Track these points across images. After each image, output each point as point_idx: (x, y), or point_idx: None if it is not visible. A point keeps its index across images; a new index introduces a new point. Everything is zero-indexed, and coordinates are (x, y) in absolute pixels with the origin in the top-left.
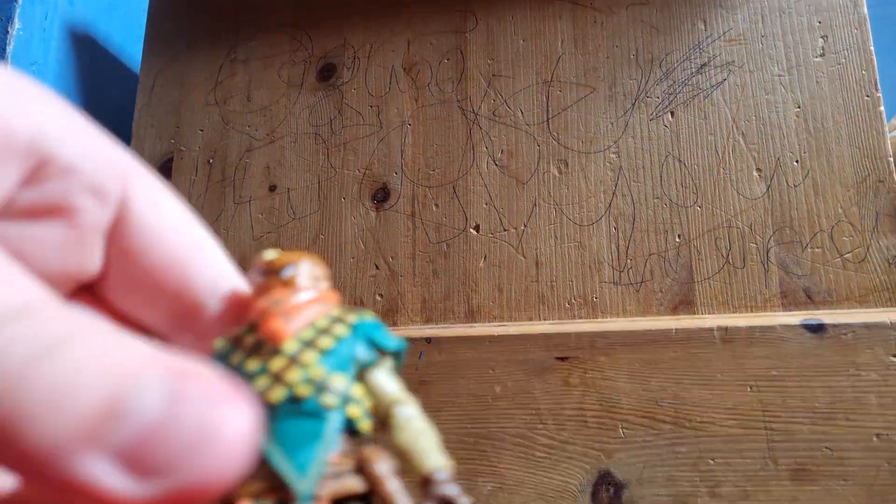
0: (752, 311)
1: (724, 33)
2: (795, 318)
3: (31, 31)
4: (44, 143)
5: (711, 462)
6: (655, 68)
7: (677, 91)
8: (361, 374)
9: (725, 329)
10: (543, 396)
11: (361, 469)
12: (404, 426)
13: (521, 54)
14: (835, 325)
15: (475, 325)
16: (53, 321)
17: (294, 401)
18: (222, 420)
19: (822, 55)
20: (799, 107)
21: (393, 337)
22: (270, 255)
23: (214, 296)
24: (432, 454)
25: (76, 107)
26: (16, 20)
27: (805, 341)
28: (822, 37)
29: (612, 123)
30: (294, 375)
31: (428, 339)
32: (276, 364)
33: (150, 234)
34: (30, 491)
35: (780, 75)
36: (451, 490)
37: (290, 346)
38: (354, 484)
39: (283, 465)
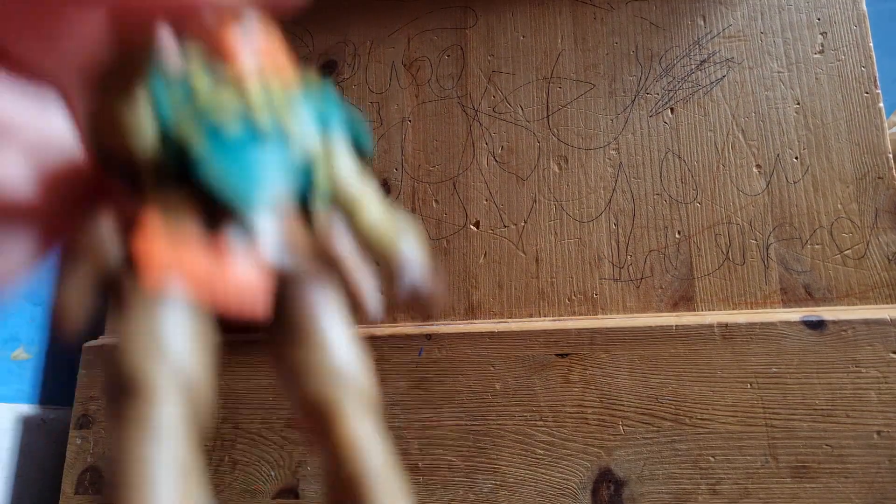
0: (752, 308)
1: (724, 30)
2: (795, 314)
3: None
4: None
5: (712, 459)
6: (655, 65)
7: (677, 87)
8: (325, 141)
9: (725, 326)
10: (543, 393)
11: (320, 250)
12: (371, 209)
13: (521, 51)
14: (835, 322)
15: (475, 321)
16: None
17: (252, 125)
18: None
19: (822, 52)
20: (798, 103)
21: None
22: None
23: None
24: (404, 238)
25: None
26: None
27: (805, 338)
28: (821, 33)
29: (611, 120)
30: (259, 99)
31: (428, 336)
32: (240, 86)
33: None
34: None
35: (779, 72)
36: (419, 277)
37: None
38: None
39: (229, 184)
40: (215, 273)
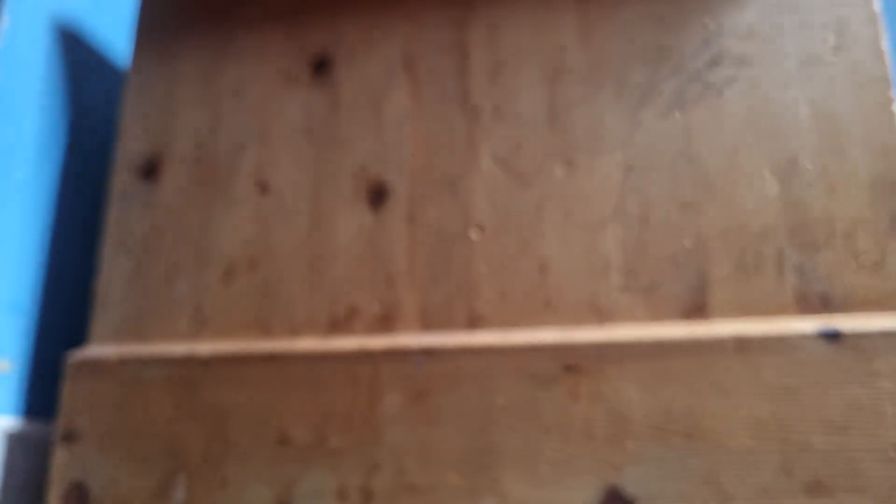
0: (766, 317)
1: (736, 29)
2: (811, 324)
3: (17, 28)
4: None
5: (724, 476)
6: (665, 64)
7: (687, 88)
8: None
9: (739, 338)
10: (549, 408)
11: None
12: None
13: (525, 49)
14: (851, 333)
15: (477, 333)
16: None
17: None
18: None
19: (836, 53)
20: (812, 105)
21: None
22: None
23: None
24: None
25: (62, 105)
26: (5, 15)
27: (821, 350)
28: (835, 34)
29: (619, 121)
30: None
31: (427, 348)
32: None
33: None
34: None
35: (792, 73)
36: None
37: None
38: None
39: None
40: None
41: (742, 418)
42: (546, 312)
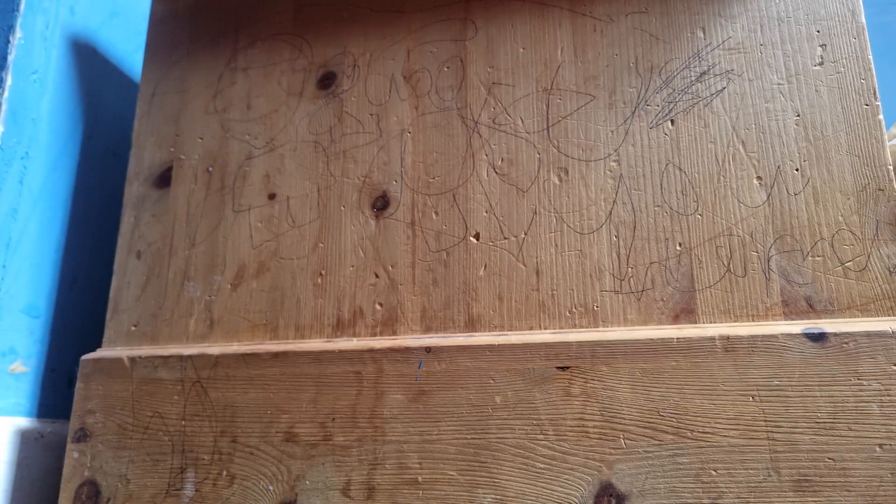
0: (753, 320)
1: (724, 42)
2: (797, 326)
3: (33, 41)
4: None
5: (714, 473)
6: (655, 77)
7: (677, 99)
8: None
9: (727, 338)
10: (544, 407)
11: None
12: None
13: (521, 62)
14: (836, 334)
15: (475, 334)
16: None
17: None
18: None
19: (821, 64)
20: (798, 115)
21: None
22: None
23: None
24: None
25: (76, 116)
26: (17, 29)
27: (807, 350)
28: (820, 45)
29: (612, 131)
30: None
31: (427, 349)
32: None
33: None
34: None
35: (779, 84)
36: None
37: None
38: None
39: None
40: None
41: (731, 417)
42: (541, 314)
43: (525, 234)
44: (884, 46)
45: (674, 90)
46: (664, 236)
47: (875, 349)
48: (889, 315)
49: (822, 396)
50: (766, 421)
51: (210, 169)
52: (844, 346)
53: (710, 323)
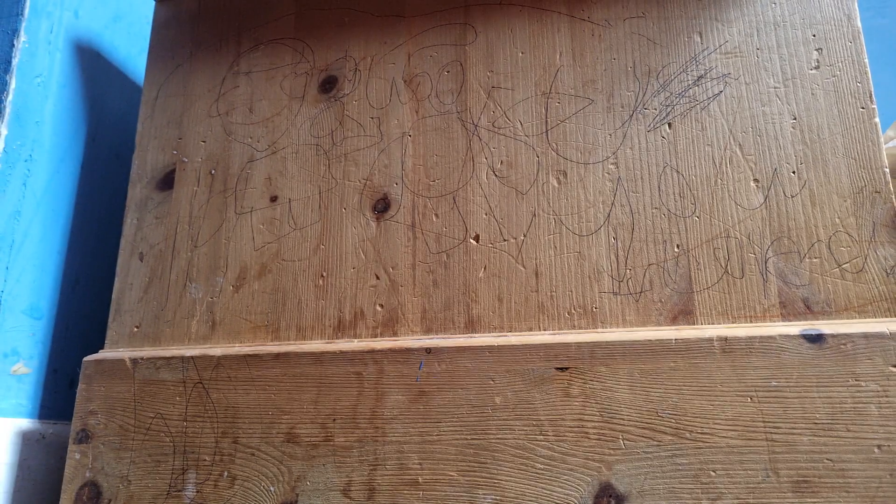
0: (751, 322)
1: (720, 46)
2: (795, 328)
3: (37, 44)
4: None
5: (713, 474)
6: (653, 80)
7: (675, 103)
8: None
9: (725, 339)
10: (543, 407)
11: None
12: None
13: (520, 66)
14: (834, 336)
15: (475, 335)
16: None
17: None
18: None
19: (818, 67)
20: (795, 118)
21: None
22: None
23: None
24: None
25: (80, 118)
26: (22, 33)
27: (804, 352)
28: (816, 49)
29: (610, 135)
30: None
31: (428, 350)
32: None
33: None
34: None
35: (775, 87)
36: None
37: None
38: None
39: None
40: None
41: (729, 417)
42: (540, 315)
43: (524, 236)
44: (880, 49)
45: (671, 94)
46: (662, 238)
47: (873, 350)
48: (886, 316)
49: (820, 397)
50: (764, 422)
51: (212, 171)
52: (842, 347)
53: (708, 324)
